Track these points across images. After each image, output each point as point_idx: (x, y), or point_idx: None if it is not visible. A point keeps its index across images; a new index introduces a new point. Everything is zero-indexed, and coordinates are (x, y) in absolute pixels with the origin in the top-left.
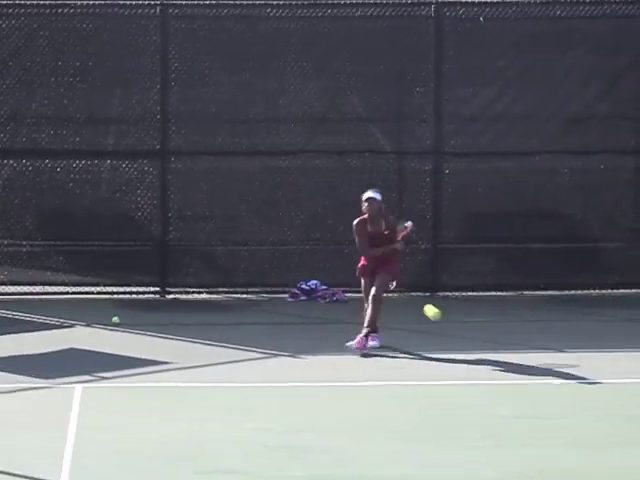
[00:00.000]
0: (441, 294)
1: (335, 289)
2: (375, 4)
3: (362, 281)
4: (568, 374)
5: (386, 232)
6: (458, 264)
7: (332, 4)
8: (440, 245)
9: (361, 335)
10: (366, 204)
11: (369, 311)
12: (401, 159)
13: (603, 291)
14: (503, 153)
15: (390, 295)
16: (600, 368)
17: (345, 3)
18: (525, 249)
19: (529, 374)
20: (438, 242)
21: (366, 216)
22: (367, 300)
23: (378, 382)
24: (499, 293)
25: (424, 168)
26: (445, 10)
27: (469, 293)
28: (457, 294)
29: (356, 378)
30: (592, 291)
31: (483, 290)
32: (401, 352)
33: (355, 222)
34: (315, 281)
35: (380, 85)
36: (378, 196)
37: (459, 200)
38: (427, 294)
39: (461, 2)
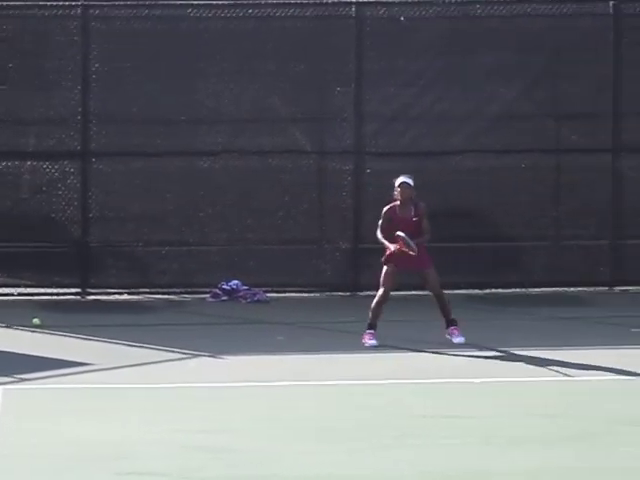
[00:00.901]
0: (362, 294)
1: (256, 289)
2: (296, 4)
3: (385, 268)
4: (489, 372)
5: (415, 219)
6: (370, 264)
7: (253, 4)
8: (361, 245)
9: (453, 326)
10: (399, 189)
11: (442, 307)
12: (322, 159)
13: (524, 289)
14: (424, 153)
15: (312, 295)
16: (521, 366)
17: (266, 3)
18: (446, 248)
19: (450, 372)
20: (359, 242)
21: (397, 202)
22: (385, 287)
23: (299, 382)
24: (420, 292)
25: (345, 168)
26: (366, 10)
27: (390, 292)
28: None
29: (277, 378)
30: (514, 289)
31: (405, 289)
32: (322, 351)
33: (386, 208)
34: (236, 281)
35: (301, 85)
36: (411, 182)
37: (380, 200)
38: (348, 294)
39: (382, 2)
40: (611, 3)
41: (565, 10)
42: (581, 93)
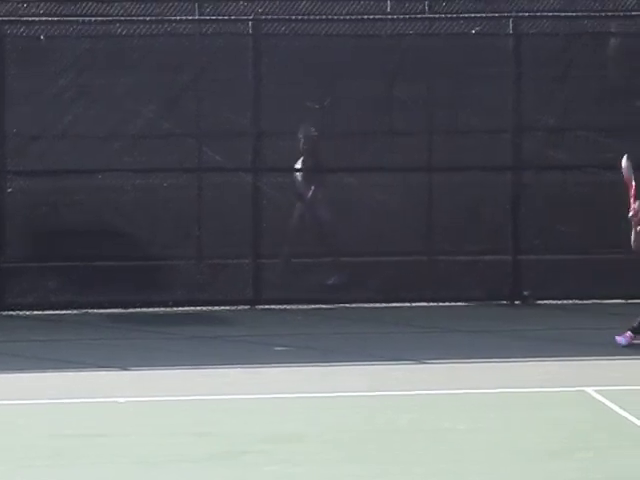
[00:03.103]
0: (5, 313)
1: None
2: None
3: None
4: (131, 392)
5: None
6: (24, 283)
7: None
8: (5, 264)
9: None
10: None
11: None
12: None
13: (169, 309)
14: (68, 171)
15: None
16: (166, 385)
17: None
18: (93, 267)
19: (96, 392)
20: (3, 261)
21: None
22: None
23: None
24: (66, 312)
25: None
26: (6, 28)
27: (35, 312)
28: (23, 313)
29: None
30: (157, 309)
31: (50, 309)
32: None
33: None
34: None
35: None
36: None
37: (24, 219)
38: None
39: (22, 20)
40: (250, 23)
41: (205, 30)
42: (222, 112)
